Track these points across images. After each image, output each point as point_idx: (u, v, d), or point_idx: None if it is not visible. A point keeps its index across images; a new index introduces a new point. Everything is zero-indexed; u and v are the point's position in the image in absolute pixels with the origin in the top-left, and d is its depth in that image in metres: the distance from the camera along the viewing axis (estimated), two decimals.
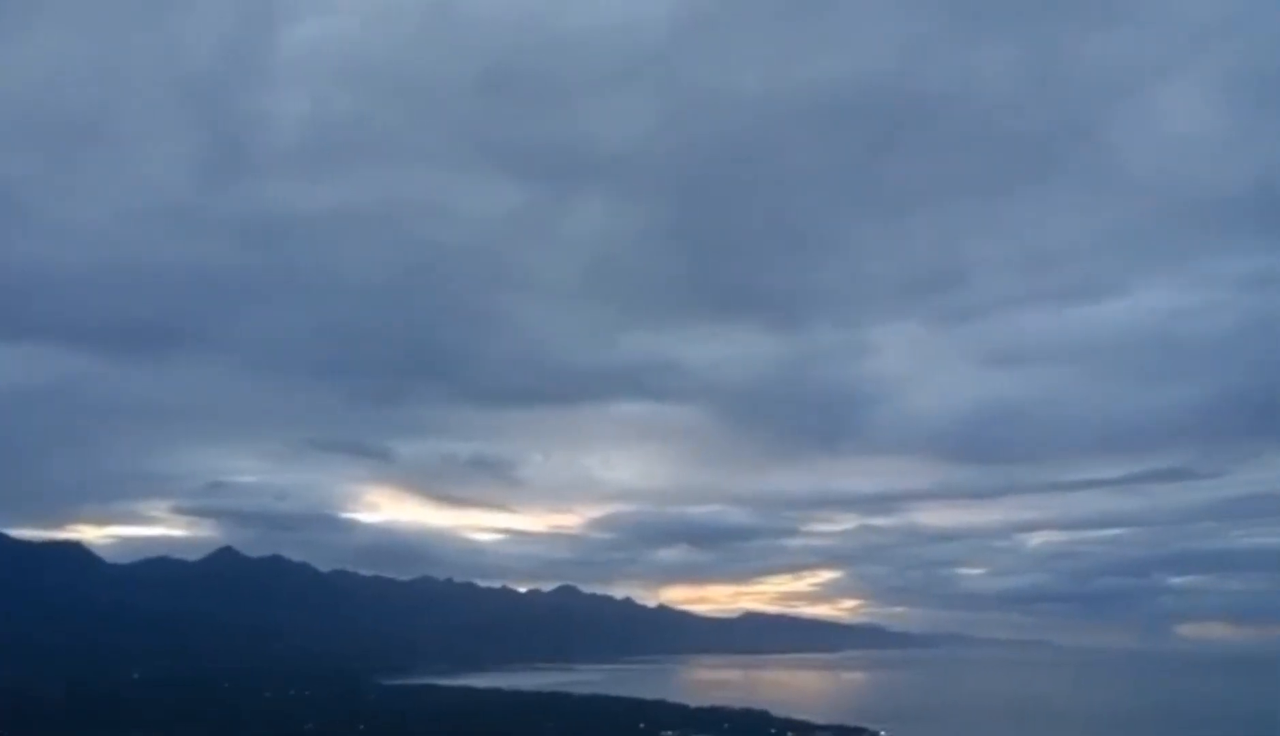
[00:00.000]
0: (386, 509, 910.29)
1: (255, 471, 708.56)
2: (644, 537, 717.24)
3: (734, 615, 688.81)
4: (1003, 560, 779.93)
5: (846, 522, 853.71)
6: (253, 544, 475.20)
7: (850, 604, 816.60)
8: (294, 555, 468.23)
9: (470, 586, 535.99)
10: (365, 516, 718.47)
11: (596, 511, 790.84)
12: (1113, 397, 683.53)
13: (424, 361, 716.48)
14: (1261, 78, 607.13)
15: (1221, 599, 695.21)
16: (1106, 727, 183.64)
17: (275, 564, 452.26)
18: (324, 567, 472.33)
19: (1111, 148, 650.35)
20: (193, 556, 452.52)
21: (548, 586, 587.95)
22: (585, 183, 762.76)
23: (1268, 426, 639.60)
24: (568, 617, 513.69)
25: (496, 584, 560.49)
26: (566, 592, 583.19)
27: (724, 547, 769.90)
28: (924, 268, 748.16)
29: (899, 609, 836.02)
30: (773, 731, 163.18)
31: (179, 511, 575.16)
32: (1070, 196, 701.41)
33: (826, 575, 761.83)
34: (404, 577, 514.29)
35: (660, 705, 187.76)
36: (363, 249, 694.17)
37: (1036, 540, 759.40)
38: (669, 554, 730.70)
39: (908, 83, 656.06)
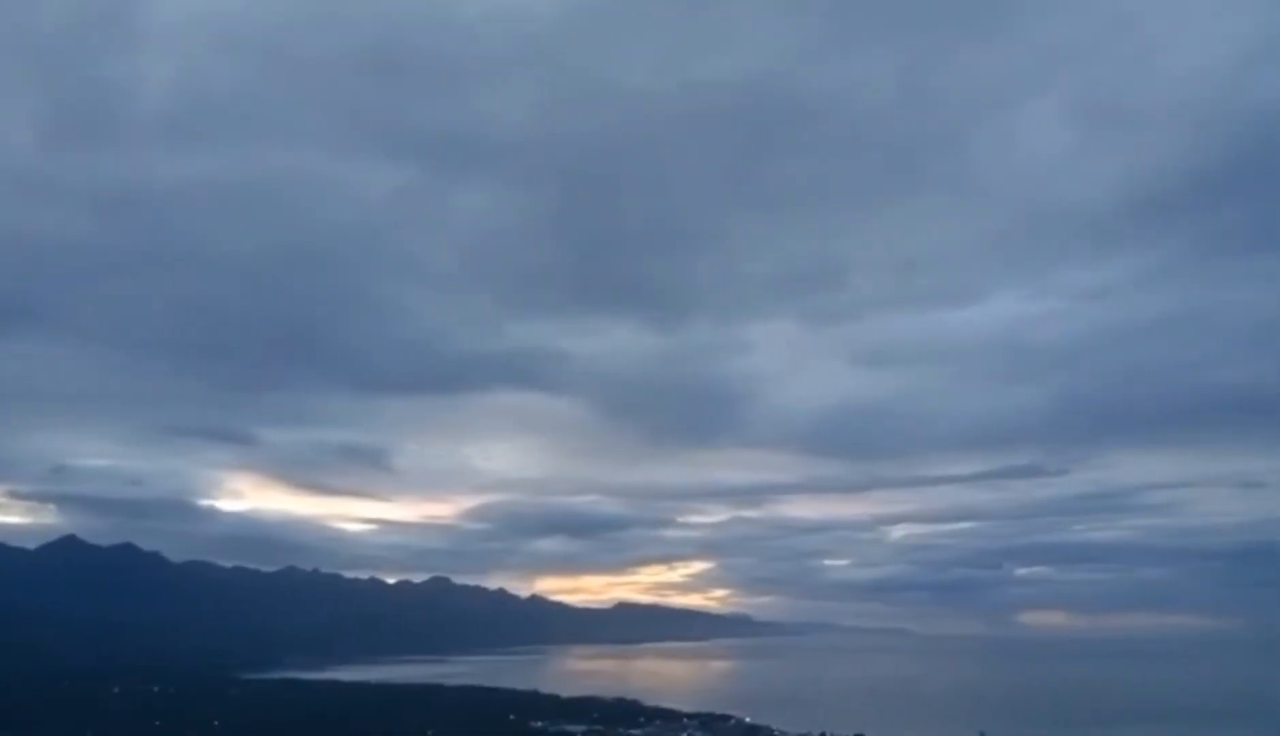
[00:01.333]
0: (250, 497, 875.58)
1: (105, 455, 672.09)
2: (520, 528, 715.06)
3: (607, 605, 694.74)
4: (867, 551, 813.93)
5: (719, 514, 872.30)
6: (100, 532, 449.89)
7: (721, 593, 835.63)
8: (146, 544, 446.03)
9: (337, 577, 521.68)
10: (226, 504, 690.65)
11: (472, 501, 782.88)
12: (971, 398, 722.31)
13: (295, 345, 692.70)
14: (1106, 102, 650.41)
15: (1061, 589, 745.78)
16: (949, 707, 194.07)
17: (125, 553, 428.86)
18: (179, 558, 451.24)
19: (975, 161, 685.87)
20: (31, 544, 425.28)
21: (419, 577, 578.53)
22: (471, 169, 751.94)
23: (1106, 429, 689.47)
24: (439, 609, 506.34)
25: (365, 575, 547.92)
26: (438, 584, 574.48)
27: (599, 538, 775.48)
28: (800, 268, 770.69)
29: (767, 598, 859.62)
30: (642, 720, 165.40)
31: (15, 496, 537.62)
32: (937, 205, 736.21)
33: (699, 565, 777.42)
34: (267, 568, 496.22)
35: (532, 696, 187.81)
36: (231, 225, 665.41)
37: (899, 532, 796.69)
38: (545, 544, 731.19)
39: (790, 87, 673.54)
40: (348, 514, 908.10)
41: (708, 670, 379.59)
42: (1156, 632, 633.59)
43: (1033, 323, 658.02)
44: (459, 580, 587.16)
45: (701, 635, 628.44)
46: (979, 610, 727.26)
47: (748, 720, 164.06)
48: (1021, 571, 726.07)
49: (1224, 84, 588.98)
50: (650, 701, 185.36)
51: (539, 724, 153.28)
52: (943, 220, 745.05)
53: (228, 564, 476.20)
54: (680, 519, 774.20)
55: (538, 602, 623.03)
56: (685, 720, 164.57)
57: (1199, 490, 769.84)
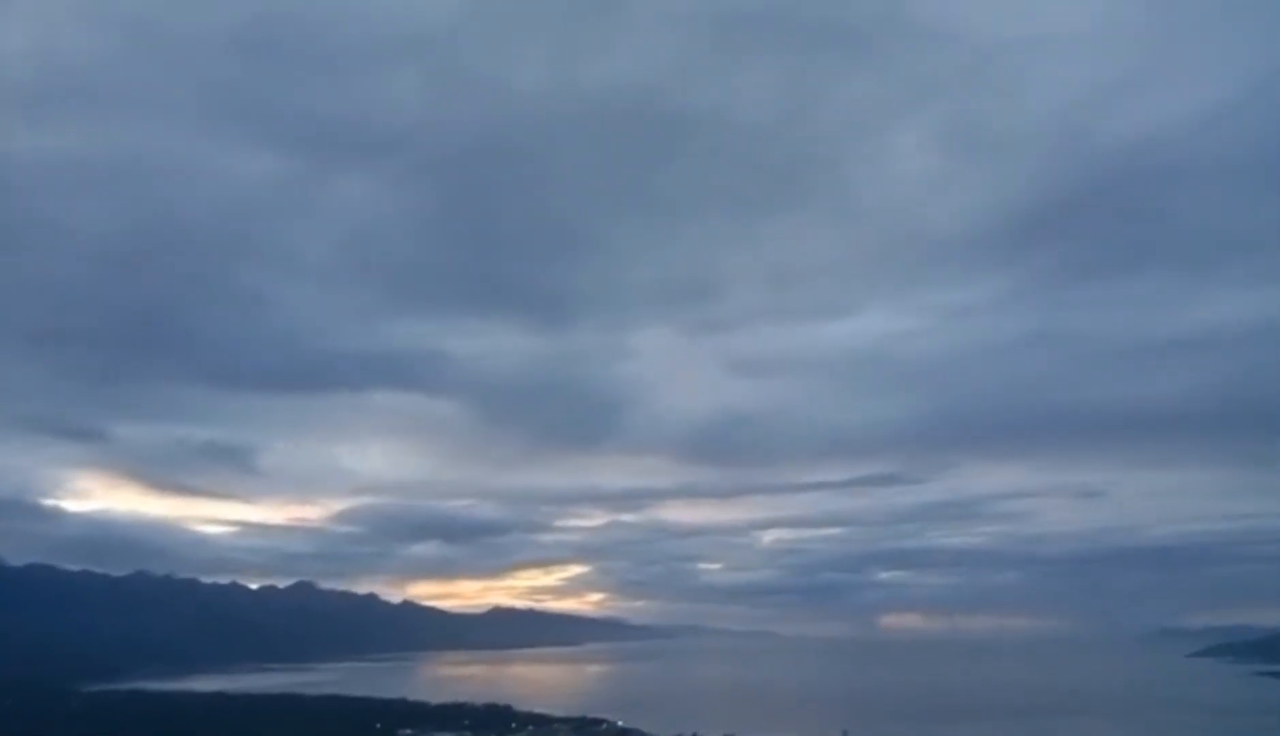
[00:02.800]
0: (100, 497, 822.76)
1: None
2: (392, 532, 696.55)
3: (482, 610, 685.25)
4: (738, 556, 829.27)
5: (596, 519, 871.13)
6: None
7: (596, 598, 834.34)
8: None
9: (194, 582, 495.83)
10: (73, 504, 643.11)
11: (342, 504, 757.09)
12: (840, 409, 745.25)
13: (155, 335, 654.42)
14: (972, 131, 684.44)
15: (919, 592, 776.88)
16: (815, 707, 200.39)
17: None
18: (19, 561, 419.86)
19: (849, 181, 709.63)
20: None
21: (284, 582, 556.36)
22: (352, 159, 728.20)
23: (963, 441, 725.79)
24: (304, 615, 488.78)
25: (225, 580, 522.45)
26: (304, 589, 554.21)
27: (475, 542, 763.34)
28: (681, 277, 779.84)
29: (641, 602, 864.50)
30: (514, 725, 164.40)
31: None
32: (813, 222, 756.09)
33: (575, 569, 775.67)
34: (117, 573, 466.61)
35: (399, 703, 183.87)
36: (89, 204, 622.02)
37: (769, 537, 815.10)
38: (419, 549, 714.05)
39: (676, 97, 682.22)
40: (208, 516, 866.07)
41: (581, 674, 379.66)
42: (1004, 633, 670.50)
43: (899, 338, 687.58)
44: (326, 585, 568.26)
45: (576, 639, 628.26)
46: (843, 612, 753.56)
47: (620, 723, 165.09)
48: (883, 575, 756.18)
49: (1078, 120, 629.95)
50: (523, 706, 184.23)
51: (407, 732, 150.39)
52: (818, 236, 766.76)
53: (74, 567, 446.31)
54: (558, 523, 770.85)
55: (409, 608, 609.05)
56: (557, 724, 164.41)
57: (1043, 500, 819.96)
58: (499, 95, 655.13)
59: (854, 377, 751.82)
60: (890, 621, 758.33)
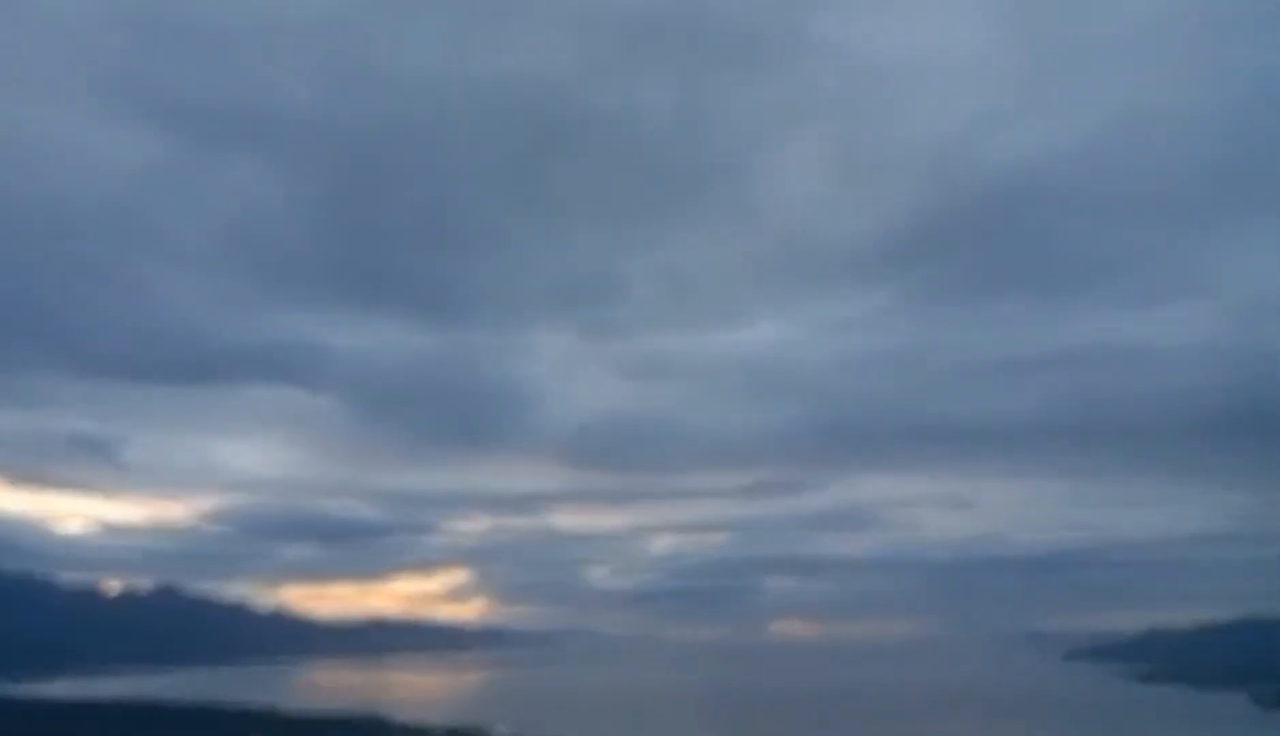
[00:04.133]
0: None
1: None
2: (266, 532, 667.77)
3: (359, 616, 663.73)
4: (627, 561, 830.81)
5: (482, 522, 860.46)
6: None
7: (480, 603, 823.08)
8: None
9: (48, 582, 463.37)
10: None
11: (213, 502, 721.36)
12: (731, 416, 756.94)
13: (13, 318, 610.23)
14: (860, 149, 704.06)
15: (804, 598, 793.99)
16: (697, 712, 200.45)
17: None
18: None
19: (749, 191, 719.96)
20: None
21: (145, 584, 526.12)
22: (236, 144, 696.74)
23: (849, 450, 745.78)
24: (167, 619, 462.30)
25: (85, 579, 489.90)
26: (166, 591, 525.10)
27: (354, 545, 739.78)
28: (577, 279, 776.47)
29: (527, 607, 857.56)
30: None
31: None
32: (712, 230, 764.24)
33: (459, 574, 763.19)
34: None
35: (268, 713, 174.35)
36: None
37: (658, 543, 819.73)
38: (294, 550, 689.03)
39: (577, 97, 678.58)
40: (66, 511, 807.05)
41: (463, 681, 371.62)
42: (884, 637, 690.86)
43: (791, 348, 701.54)
44: (192, 587, 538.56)
45: (456, 645, 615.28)
46: (729, 618, 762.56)
47: (502, 731, 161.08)
48: (769, 581, 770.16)
49: (957, 146, 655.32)
50: (399, 716, 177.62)
51: None
52: (714, 245, 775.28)
53: None
54: (441, 526, 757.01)
55: (282, 612, 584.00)
56: (435, 734, 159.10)
57: (920, 509, 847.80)
58: (392, 84, 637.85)
59: (746, 386, 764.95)
60: (775, 626, 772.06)
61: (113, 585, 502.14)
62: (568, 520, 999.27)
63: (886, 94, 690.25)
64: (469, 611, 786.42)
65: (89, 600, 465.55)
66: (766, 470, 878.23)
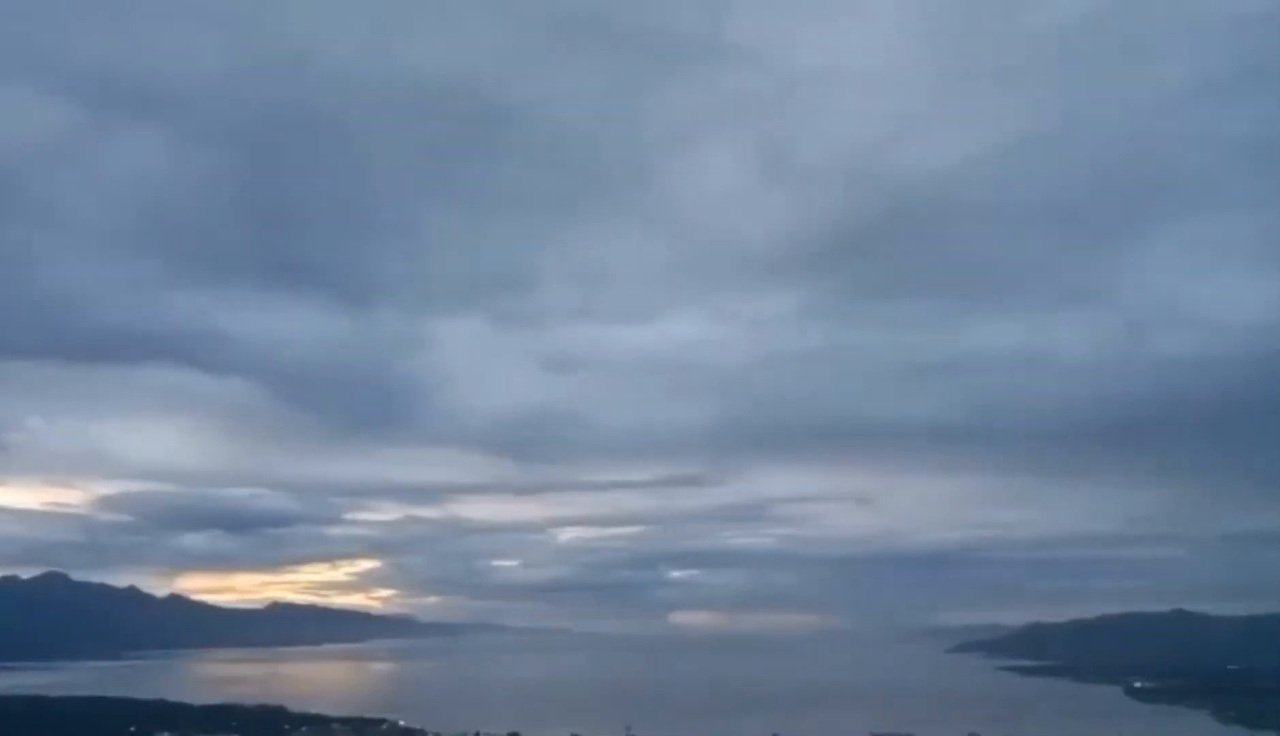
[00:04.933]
0: None
1: None
2: (163, 520, 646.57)
3: (260, 606, 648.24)
4: (536, 553, 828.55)
5: (391, 512, 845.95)
6: None
7: (386, 593, 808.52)
8: None
9: None
10: None
11: (107, 488, 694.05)
12: (642, 410, 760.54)
13: None
14: (778, 153, 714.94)
15: (709, 590, 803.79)
16: (601, 703, 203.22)
17: None
18: None
19: (663, 190, 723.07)
20: None
21: (29, 572, 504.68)
22: (141, 117, 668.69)
23: (756, 446, 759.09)
24: (54, 609, 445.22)
25: None
26: (53, 580, 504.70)
27: (258, 534, 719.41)
28: (492, 270, 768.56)
29: (435, 599, 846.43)
30: (288, 727, 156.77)
31: None
32: (629, 226, 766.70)
33: (365, 564, 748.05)
34: None
35: (159, 705, 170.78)
36: None
37: (567, 535, 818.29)
38: (192, 539, 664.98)
39: (496, 89, 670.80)
40: None
41: (365, 672, 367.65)
42: (786, 630, 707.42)
43: (702, 345, 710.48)
44: (80, 576, 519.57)
45: (362, 636, 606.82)
46: (636, 610, 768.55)
47: (401, 723, 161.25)
48: (676, 574, 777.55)
49: (873, 153, 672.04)
50: (298, 707, 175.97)
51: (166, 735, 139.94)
52: (629, 241, 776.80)
53: None
54: (349, 516, 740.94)
55: (178, 602, 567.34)
56: (336, 725, 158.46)
57: (824, 505, 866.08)
58: (308, 66, 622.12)
59: (657, 381, 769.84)
60: (681, 618, 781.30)
61: None
62: (478, 511, 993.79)
63: (805, 99, 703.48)
64: (376, 601, 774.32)
65: None
66: (676, 464, 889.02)
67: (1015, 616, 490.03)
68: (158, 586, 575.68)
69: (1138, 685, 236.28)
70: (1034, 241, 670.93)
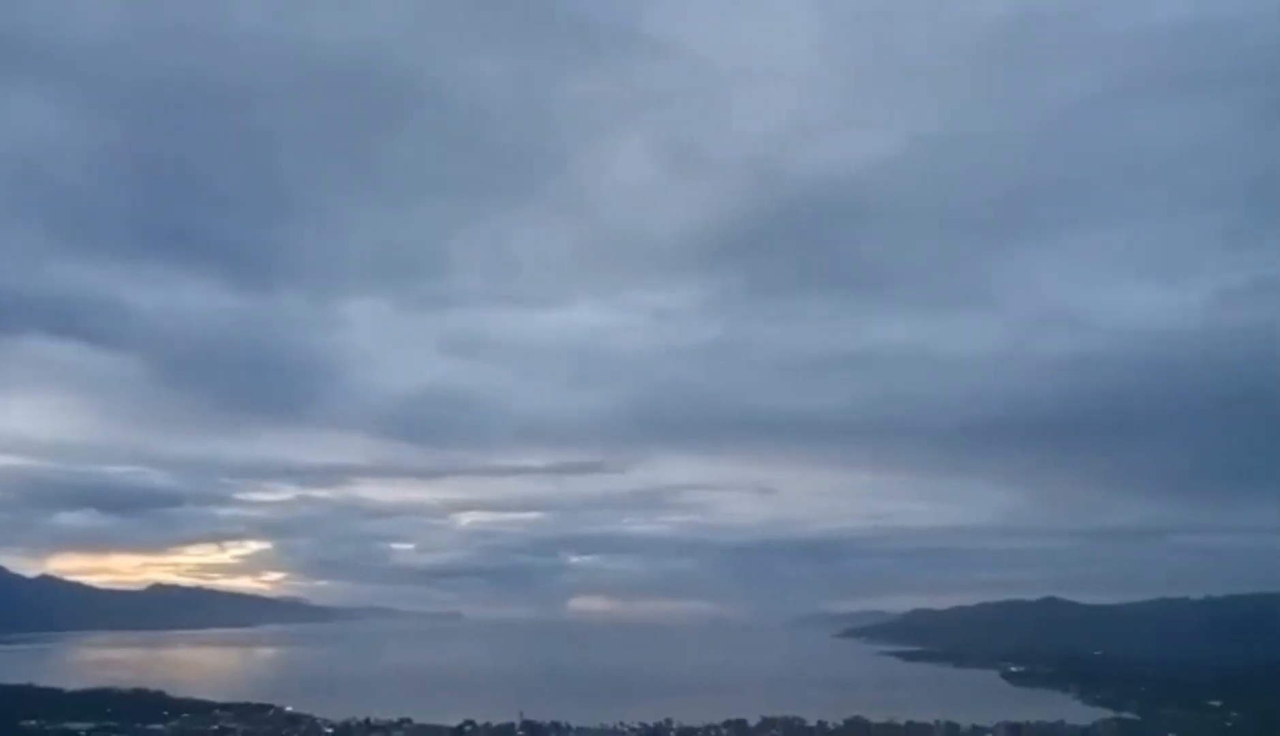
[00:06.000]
0: None
1: None
2: (36, 498, 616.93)
3: (140, 587, 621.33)
4: (434, 537, 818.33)
5: (284, 493, 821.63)
6: None
7: (276, 576, 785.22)
8: None
9: None
10: None
11: None
12: (545, 396, 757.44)
13: None
14: (687, 147, 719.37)
15: (606, 577, 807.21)
16: (494, 689, 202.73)
17: None
18: None
19: (576, 179, 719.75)
20: None
21: None
22: (27, 75, 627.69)
23: (657, 434, 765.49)
24: None
25: None
26: None
27: (139, 514, 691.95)
28: (399, 251, 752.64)
29: (327, 582, 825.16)
30: (166, 713, 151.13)
31: None
32: (535, 212, 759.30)
33: (255, 546, 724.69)
34: None
35: (25, 690, 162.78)
36: None
37: (466, 519, 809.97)
38: (68, 518, 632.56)
39: (410, 68, 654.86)
40: None
41: (251, 657, 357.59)
42: (683, 616, 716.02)
43: (607, 333, 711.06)
44: None
45: (250, 620, 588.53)
46: (533, 596, 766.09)
47: (288, 709, 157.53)
48: (574, 560, 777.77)
49: (779, 150, 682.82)
50: (178, 692, 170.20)
51: (33, 722, 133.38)
52: (537, 227, 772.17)
53: None
54: (239, 496, 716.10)
55: (49, 582, 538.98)
56: (218, 711, 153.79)
57: (724, 493, 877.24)
58: (214, 32, 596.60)
59: (561, 367, 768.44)
60: (578, 604, 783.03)
61: None
62: (376, 493, 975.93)
63: (717, 95, 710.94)
64: (265, 584, 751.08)
65: None
66: (578, 451, 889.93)
67: (900, 603, 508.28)
68: (28, 567, 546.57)
69: (1012, 669, 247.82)
70: (930, 243, 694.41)
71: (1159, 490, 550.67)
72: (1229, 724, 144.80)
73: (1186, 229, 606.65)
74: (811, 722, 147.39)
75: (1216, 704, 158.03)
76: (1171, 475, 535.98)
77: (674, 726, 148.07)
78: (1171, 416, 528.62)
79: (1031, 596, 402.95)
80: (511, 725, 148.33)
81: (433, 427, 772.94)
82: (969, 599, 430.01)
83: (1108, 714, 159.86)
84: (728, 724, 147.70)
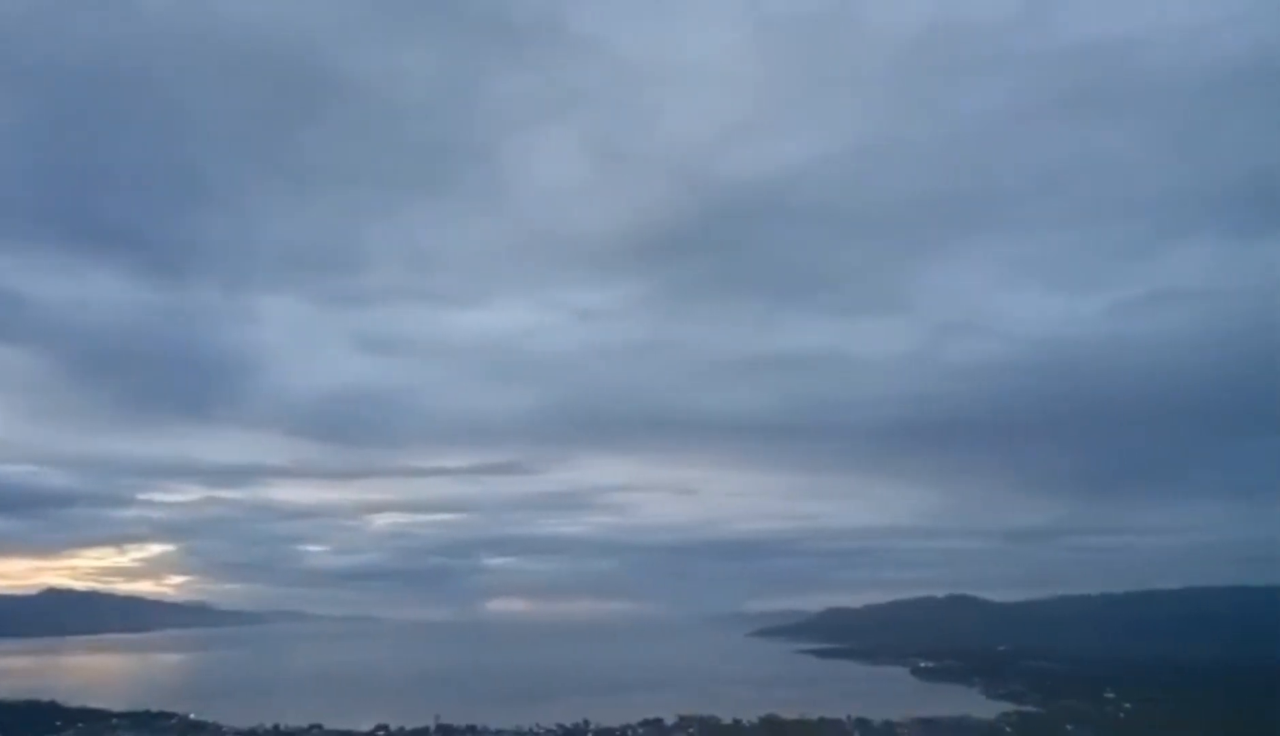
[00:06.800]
0: None
1: None
2: None
3: (32, 592, 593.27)
4: (348, 539, 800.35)
5: (190, 494, 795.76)
6: None
7: (179, 580, 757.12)
8: None
9: None
10: None
11: None
12: (466, 396, 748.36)
13: None
14: (615, 147, 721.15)
15: (526, 578, 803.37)
16: (409, 692, 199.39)
17: None
18: None
19: (498, 175, 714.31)
20: None
21: None
22: None
23: (579, 434, 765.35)
24: None
25: None
26: None
27: (35, 515, 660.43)
28: (317, 246, 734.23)
29: (235, 585, 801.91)
30: (59, 723, 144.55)
31: None
32: (459, 209, 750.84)
33: (157, 549, 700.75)
34: None
35: None
36: None
37: (382, 521, 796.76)
38: None
39: (328, 58, 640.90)
40: None
41: (152, 663, 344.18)
42: (602, 617, 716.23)
43: (529, 333, 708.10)
44: None
45: (152, 625, 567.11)
46: (450, 597, 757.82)
47: (191, 716, 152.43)
48: (492, 561, 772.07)
49: (704, 152, 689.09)
50: (74, 701, 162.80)
51: None
52: (460, 224, 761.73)
53: None
54: (142, 497, 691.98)
55: None
56: (115, 720, 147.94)
57: (646, 494, 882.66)
58: (127, 16, 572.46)
59: (483, 366, 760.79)
60: (496, 606, 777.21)
61: None
62: (287, 495, 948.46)
63: (642, 96, 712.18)
64: (169, 588, 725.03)
65: None
66: (497, 451, 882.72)
67: (816, 602, 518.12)
68: None
69: (922, 665, 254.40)
70: (851, 248, 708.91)
71: (1061, 492, 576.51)
72: (1121, 715, 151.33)
73: (1090, 241, 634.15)
74: (727, 720, 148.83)
75: (1111, 695, 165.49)
76: (1073, 478, 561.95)
77: (591, 727, 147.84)
78: (1073, 421, 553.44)
79: (941, 594, 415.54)
80: (426, 728, 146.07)
81: (348, 427, 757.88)
82: (882, 597, 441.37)
83: (1010, 707, 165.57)
84: (645, 723, 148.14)
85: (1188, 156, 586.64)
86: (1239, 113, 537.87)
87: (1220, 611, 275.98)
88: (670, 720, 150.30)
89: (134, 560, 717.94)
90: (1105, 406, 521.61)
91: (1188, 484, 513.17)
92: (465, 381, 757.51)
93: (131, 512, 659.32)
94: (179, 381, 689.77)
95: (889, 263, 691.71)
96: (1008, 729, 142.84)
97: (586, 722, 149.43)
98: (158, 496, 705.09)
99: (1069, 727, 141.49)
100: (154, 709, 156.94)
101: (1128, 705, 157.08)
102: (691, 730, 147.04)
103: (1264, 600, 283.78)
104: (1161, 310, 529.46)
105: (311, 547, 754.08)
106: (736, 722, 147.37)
